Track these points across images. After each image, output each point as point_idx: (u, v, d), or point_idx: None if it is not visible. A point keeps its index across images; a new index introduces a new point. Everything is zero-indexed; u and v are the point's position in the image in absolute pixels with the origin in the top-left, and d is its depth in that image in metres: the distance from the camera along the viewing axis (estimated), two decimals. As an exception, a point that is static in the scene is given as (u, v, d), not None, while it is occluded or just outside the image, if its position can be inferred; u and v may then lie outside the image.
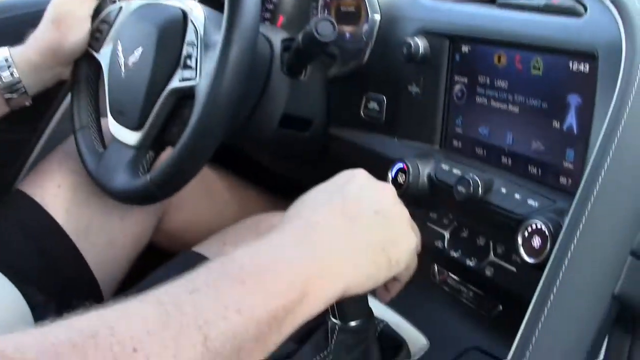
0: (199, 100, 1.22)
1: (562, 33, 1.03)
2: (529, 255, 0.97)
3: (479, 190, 1.07)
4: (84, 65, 1.54)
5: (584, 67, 0.99)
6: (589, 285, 0.81)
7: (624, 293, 0.80)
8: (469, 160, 1.19)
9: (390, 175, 1.22)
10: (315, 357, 1.07)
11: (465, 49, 1.19)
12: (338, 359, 1.05)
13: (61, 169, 1.61)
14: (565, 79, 1.02)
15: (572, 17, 1.04)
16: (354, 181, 0.96)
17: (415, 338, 1.16)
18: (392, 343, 1.14)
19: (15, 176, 1.83)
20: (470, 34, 1.19)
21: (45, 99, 1.71)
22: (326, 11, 1.57)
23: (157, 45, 1.33)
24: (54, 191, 1.59)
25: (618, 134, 0.86)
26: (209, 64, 1.24)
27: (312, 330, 1.11)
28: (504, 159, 1.13)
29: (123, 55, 1.40)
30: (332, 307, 0.99)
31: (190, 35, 1.32)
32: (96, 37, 1.50)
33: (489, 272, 1.11)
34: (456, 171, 1.15)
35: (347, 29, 1.51)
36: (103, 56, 1.48)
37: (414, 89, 1.28)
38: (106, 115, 1.47)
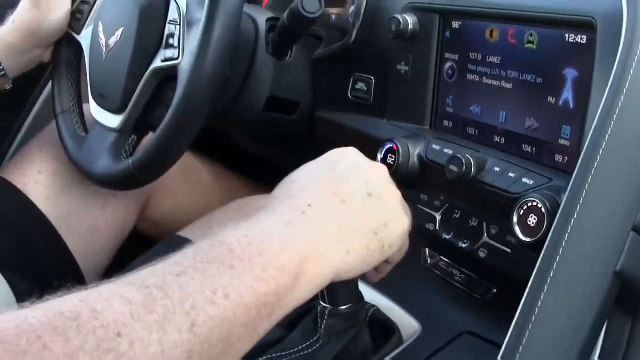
0: (182, 79, 1.20)
1: (558, 3, 1.00)
2: (525, 234, 0.95)
3: (471, 169, 1.05)
4: (64, 48, 1.52)
5: (581, 39, 0.96)
6: (590, 262, 0.79)
7: (626, 270, 0.78)
8: (460, 140, 1.16)
9: (380, 156, 1.19)
10: (304, 342, 1.05)
11: (455, 24, 1.16)
12: (328, 344, 1.04)
13: (42, 155, 1.60)
14: (561, 52, 0.99)
15: (568, -15, 1.01)
16: (346, 160, 0.95)
17: (407, 322, 1.14)
18: (384, 328, 1.13)
19: (-2, 163, 1.81)
20: (460, 8, 1.16)
21: (27, 84, 1.69)
22: (312, -9, 1.54)
23: (139, 25, 1.30)
24: (35, 178, 1.58)
25: (617, 108, 0.83)
26: (192, 43, 1.21)
27: (302, 316, 1.09)
28: (496, 138, 1.10)
29: (104, 36, 1.37)
30: (321, 291, 0.97)
31: (172, 14, 1.29)
32: (77, 18, 1.48)
33: (482, 254, 1.09)
34: (448, 151, 1.13)
35: (333, 12, 1.48)
36: (84, 38, 1.46)
37: (402, 68, 1.25)
38: (88, 100, 1.45)
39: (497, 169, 1.05)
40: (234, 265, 0.77)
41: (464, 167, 1.05)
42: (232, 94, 1.46)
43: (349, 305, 1.03)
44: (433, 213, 1.18)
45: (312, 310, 1.07)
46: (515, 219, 0.96)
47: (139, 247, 1.49)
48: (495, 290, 1.10)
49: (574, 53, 0.98)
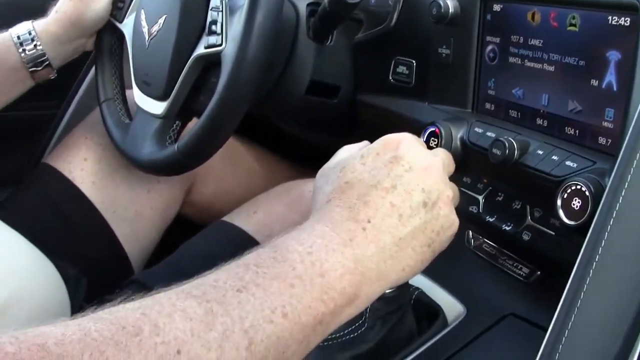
0: (226, 66, 1.21)
1: (601, -15, 0.99)
2: (569, 218, 0.94)
3: (514, 152, 1.05)
4: (107, 36, 1.54)
5: (624, 21, 0.95)
6: (635, 246, 0.78)
7: (672, 253, 0.78)
8: (502, 122, 1.16)
9: (422, 139, 1.19)
10: (349, 327, 1.05)
11: (497, 7, 1.16)
12: (373, 327, 1.04)
13: (87, 142, 1.62)
14: (603, 35, 0.98)
15: (611, -34, 1.00)
16: (402, 158, 0.92)
17: (451, 305, 1.14)
18: (428, 310, 1.13)
19: (42, 151, 1.84)
20: (502, -9, 1.15)
21: (70, 72, 1.71)
22: (352, -26, 1.54)
23: (181, 12, 1.32)
24: (81, 165, 1.60)
25: (662, 89, 0.83)
26: (235, 29, 1.22)
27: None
28: (539, 121, 1.10)
29: (147, 24, 1.39)
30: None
31: (214, 1, 1.29)
32: (119, 7, 1.49)
33: (526, 236, 1.08)
34: (490, 134, 1.13)
35: (373, -5, 1.48)
36: (126, 26, 1.47)
37: (444, 51, 1.25)
38: (131, 87, 1.46)
39: (540, 152, 1.04)
40: (295, 284, 0.77)
41: (507, 151, 1.05)
42: (274, 78, 1.47)
43: (393, 289, 1.03)
44: (476, 196, 1.18)
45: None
46: (559, 202, 0.96)
47: (184, 231, 1.50)
48: (539, 273, 1.10)
49: (617, 35, 0.97)
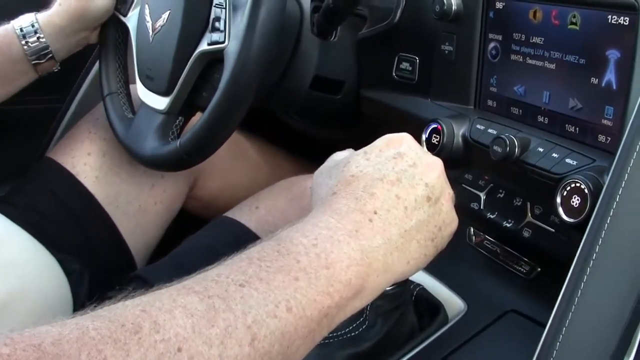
0: (229, 63, 1.21)
1: (601, -16, 0.99)
2: (568, 215, 0.95)
3: (515, 149, 1.05)
4: (111, 30, 1.54)
5: (624, 20, 0.95)
6: (632, 243, 0.78)
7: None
8: (504, 119, 1.16)
9: (424, 136, 1.20)
10: (351, 324, 1.05)
11: (499, 5, 1.16)
12: (374, 325, 1.04)
13: (91, 136, 1.62)
14: (603, 33, 0.99)
15: (611, -35, 1.00)
16: (406, 156, 0.93)
17: (452, 301, 1.14)
18: (429, 307, 1.13)
19: (46, 144, 1.84)
20: (504, -11, 1.15)
21: (75, 65, 1.71)
22: (356, -29, 1.55)
23: (185, 8, 1.32)
24: (84, 159, 1.60)
25: (660, 88, 0.83)
26: (238, 26, 1.22)
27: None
28: (540, 118, 1.10)
29: (151, 19, 1.39)
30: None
31: (218, -3, 1.30)
32: (123, 1, 1.49)
33: (526, 233, 1.09)
34: (491, 131, 1.13)
35: (378, -10, 1.48)
36: (130, 20, 1.47)
37: (447, 48, 1.25)
38: (135, 82, 1.46)
39: (541, 150, 1.05)
40: (299, 277, 0.76)
41: (508, 148, 1.05)
42: (278, 74, 1.47)
43: (394, 286, 1.02)
44: (477, 192, 1.18)
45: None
46: (558, 199, 0.96)
47: (188, 226, 1.51)
48: (539, 269, 1.11)
49: (616, 34, 0.97)
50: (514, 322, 1.09)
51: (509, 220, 1.12)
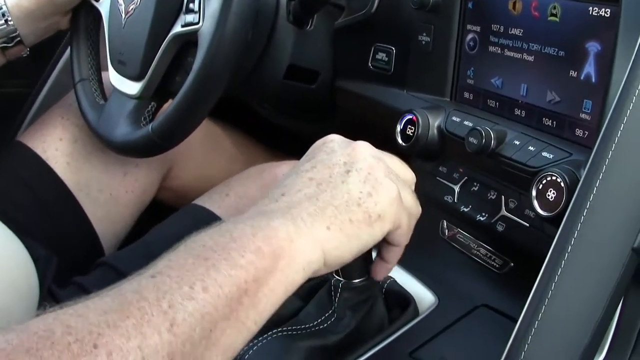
0: (202, 44, 1.19)
1: (582, -26, 0.98)
2: (543, 209, 0.94)
3: (491, 142, 1.04)
4: (83, 14, 1.52)
5: (605, 12, 0.95)
6: (608, 238, 0.77)
7: (645, 246, 0.77)
8: (480, 112, 1.15)
9: (399, 127, 1.19)
10: (320, 317, 1.04)
11: (478, -5, 1.15)
12: (343, 318, 1.03)
13: (64, 122, 1.60)
14: (584, 25, 0.98)
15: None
16: (324, 147, 0.94)
17: (423, 295, 1.14)
18: (399, 300, 1.12)
19: (15, 129, 1.82)
20: (483, -21, 1.14)
21: (45, 51, 1.68)
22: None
23: None
24: (56, 144, 1.58)
25: None
26: (213, 7, 1.20)
27: (317, 288, 1.08)
28: (517, 111, 1.09)
29: (123, 2, 1.37)
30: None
31: (193, -22, 1.28)
32: None
33: (500, 227, 1.08)
34: (467, 123, 1.12)
35: (355, -20, 1.47)
36: (103, 5, 1.45)
37: (424, 38, 1.24)
38: (107, 68, 1.44)
39: (517, 142, 1.04)
40: (209, 256, 0.76)
41: (484, 140, 1.04)
42: (252, 62, 1.46)
43: (362, 279, 1.02)
44: (452, 185, 1.17)
45: (327, 282, 1.06)
46: (534, 192, 0.95)
47: (160, 216, 1.49)
48: (512, 264, 1.10)
49: (597, 26, 0.96)
50: (485, 316, 1.09)
51: (483, 214, 1.11)
